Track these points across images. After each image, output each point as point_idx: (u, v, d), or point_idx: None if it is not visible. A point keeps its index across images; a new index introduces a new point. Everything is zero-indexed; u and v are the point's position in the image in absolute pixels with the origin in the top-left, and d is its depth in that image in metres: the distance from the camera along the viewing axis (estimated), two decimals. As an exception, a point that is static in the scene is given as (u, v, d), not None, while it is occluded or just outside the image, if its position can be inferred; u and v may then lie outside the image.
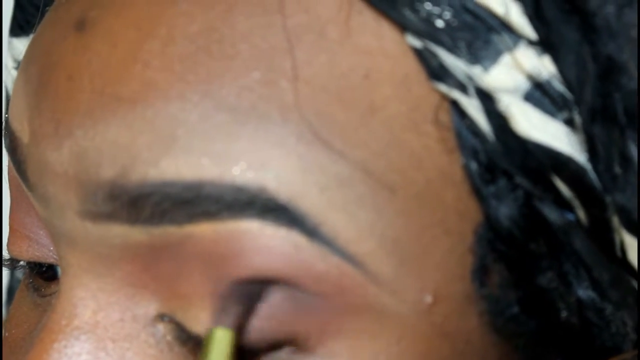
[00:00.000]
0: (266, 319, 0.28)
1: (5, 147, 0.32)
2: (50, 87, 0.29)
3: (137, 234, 0.28)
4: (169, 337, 0.29)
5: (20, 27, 0.38)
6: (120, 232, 0.28)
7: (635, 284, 0.30)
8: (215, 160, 0.27)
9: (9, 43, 0.38)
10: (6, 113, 0.32)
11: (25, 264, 0.33)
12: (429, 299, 0.28)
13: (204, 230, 0.27)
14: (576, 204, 0.29)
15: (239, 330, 0.27)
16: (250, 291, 0.27)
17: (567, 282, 0.29)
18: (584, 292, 0.30)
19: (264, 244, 0.27)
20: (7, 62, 0.39)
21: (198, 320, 0.28)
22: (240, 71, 0.27)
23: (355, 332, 0.28)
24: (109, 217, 0.28)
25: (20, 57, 0.38)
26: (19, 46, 0.38)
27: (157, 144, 0.27)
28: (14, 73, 0.39)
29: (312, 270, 0.27)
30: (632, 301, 0.30)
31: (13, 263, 0.33)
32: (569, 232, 0.29)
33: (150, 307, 0.29)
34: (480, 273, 0.29)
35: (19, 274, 0.44)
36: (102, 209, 0.28)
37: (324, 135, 0.27)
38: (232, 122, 0.27)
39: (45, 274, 0.33)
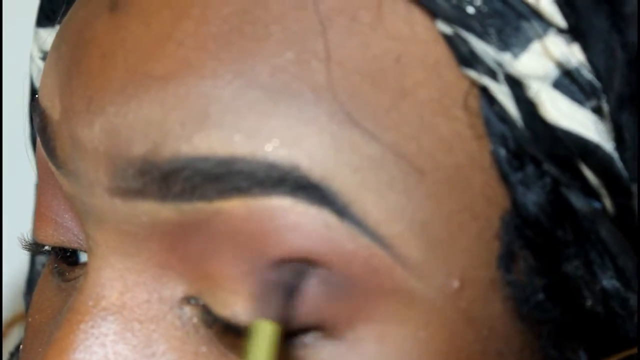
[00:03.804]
0: (299, 305, 0.28)
1: (35, 126, 0.32)
2: (83, 64, 0.30)
3: (166, 210, 0.28)
4: (195, 320, 0.29)
5: (46, 17, 0.38)
6: (150, 209, 0.28)
7: None
8: (247, 136, 0.27)
9: (35, 33, 0.39)
10: (32, 100, 0.33)
11: (50, 248, 0.33)
12: (455, 283, 0.28)
13: (235, 206, 0.27)
14: (603, 192, 0.29)
15: (281, 320, 0.27)
16: (287, 277, 0.27)
17: (592, 271, 0.30)
18: (609, 282, 0.30)
19: (295, 221, 0.27)
20: (33, 52, 0.39)
21: (227, 303, 0.28)
22: (273, 51, 0.28)
23: (383, 318, 0.28)
24: (139, 193, 0.28)
25: (47, 47, 0.38)
26: (45, 36, 0.38)
27: (189, 121, 0.28)
28: (40, 63, 0.39)
29: (342, 250, 0.27)
30: None
31: (38, 248, 0.33)
32: (595, 220, 0.29)
33: (177, 289, 0.29)
34: (506, 259, 0.29)
35: (39, 266, 0.44)
36: (132, 185, 0.28)
37: (357, 116, 0.27)
38: (265, 100, 0.27)
39: (69, 259, 0.33)
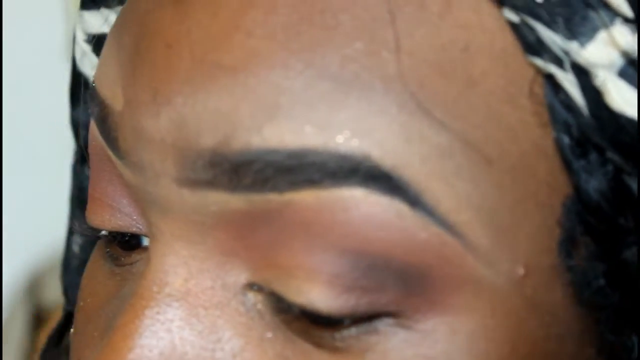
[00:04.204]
0: (375, 296, 0.28)
1: (93, 116, 0.32)
2: (148, 55, 0.30)
3: (236, 201, 0.28)
4: (259, 306, 0.30)
5: (92, 0, 0.38)
6: (219, 200, 0.29)
7: None
8: (319, 128, 0.27)
9: (80, 16, 0.39)
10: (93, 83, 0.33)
11: (107, 233, 0.33)
12: (521, 270, 0.29)
13: (306, 198, 0.28)
14: None
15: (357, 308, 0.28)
16: (364, 271, 0.28)
17: None
18: None
19: (367, 211, 0.27)
20: (78, 34, 0.39)
21: (301, 291, 0.28)
22: (343, 41, 0.28)
23: (454, 307, 0.28)
24: (209, 184, 0.29)
25: (91, 30, 0.38)
26: (90, 19, 0.38)
27: (259, 112, 0.28)
28: (85, 46, 0.39)
29: (414, 239, 0.28)
30: None
31: (94, 232, 0.33)
32: None
33: (240, 276, 0.30)
34: (568, 245, 0.29)
35: (76, 247, 0.45)
36: (201, 177, 0.29)
37: (426, 106, 0.28)
38: (335, 91, 0.28)
39: (126, 244, 0.33)
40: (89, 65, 0.40)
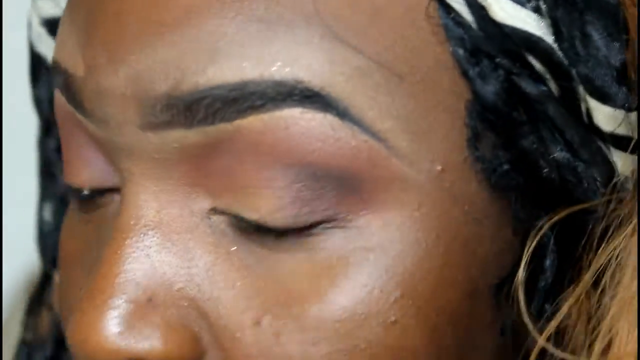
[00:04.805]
0: (315, 205, 0.33)
1: (58, 85, 0.37)
2: (101, 25, 0.35)
3: (193, 135, 0.34)
4: (223, 226, 0.35)
5: None
6: (178, 137, 0.34)
7: (602, 144, 0.36)
8: (254, 62, 0.33)
9: (33, 2, 0.43)
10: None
11: (88, 192, 0.37)
12: (439, 167, 0.34)
13: (252, 122, 0.33)
14: (548, 77, 0.35)
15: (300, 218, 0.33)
16: (305, 182, 0.33)
17: (545, 145, 0.35)
18: (560, 153, 0.36)
19: (305, 126, 0.33)
20: (33, 20, 0.44)
21: (255, 208, 0.33)
22: None
23: (384, 204, 0.34)
24: (168, 124, 0.34)
25: (45, 14, 0.43)
26: (44, 5, 0.43)
27: (202, 57, 0.33)
28: (40, 29, 0.44)
29: (347, 147, 0.33)
30: (600, 160, 0.36)
31: (77, 193, 0.38)
32: (544, 101, 0.35)
33: (205, 202, 0.35)
34: (474, 140, 0.35)
35: (47, 214, 0.48)
36: (161, 119, 0.33)
37: (342, 35, 0.33)
38: (264, 30, 0.33)
39: (100, 199, 0.37)
40: (46, 46, 0.44)
